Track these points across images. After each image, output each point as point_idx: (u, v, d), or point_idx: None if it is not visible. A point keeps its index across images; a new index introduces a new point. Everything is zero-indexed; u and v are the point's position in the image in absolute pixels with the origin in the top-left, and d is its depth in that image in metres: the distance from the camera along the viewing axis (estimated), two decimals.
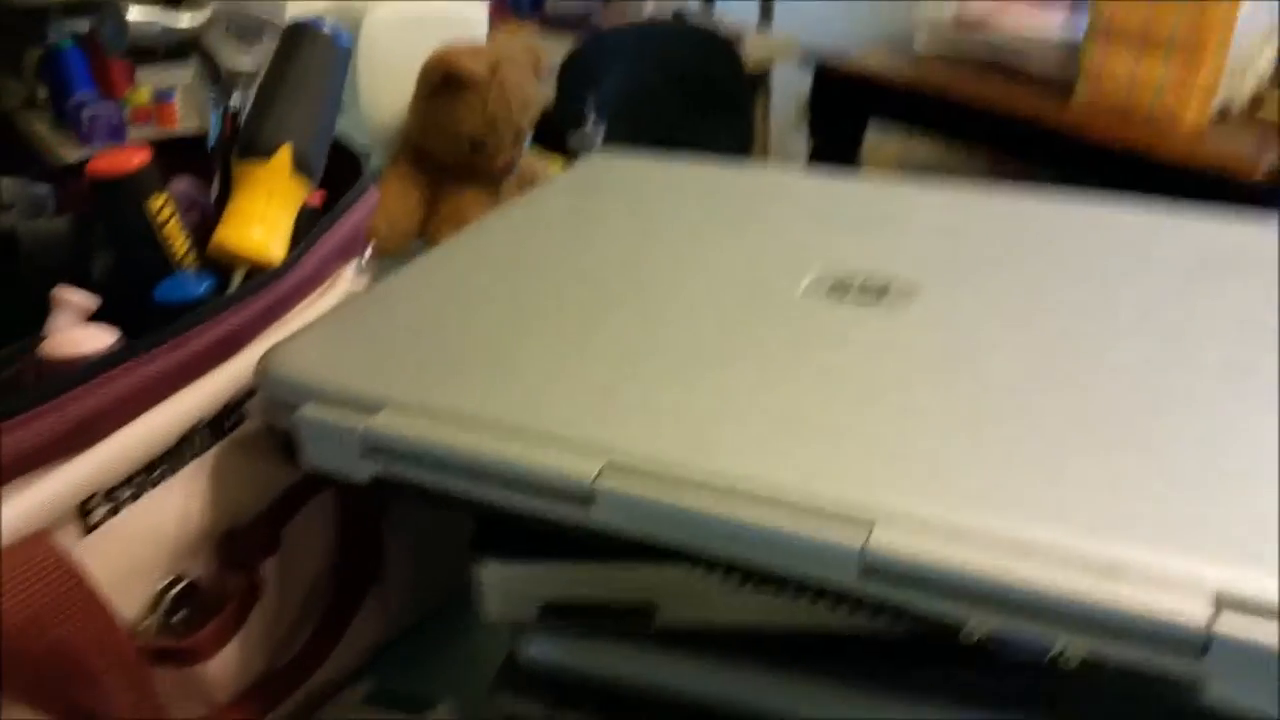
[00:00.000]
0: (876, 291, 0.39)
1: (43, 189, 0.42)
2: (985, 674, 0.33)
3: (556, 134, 0.97)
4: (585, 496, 0.30)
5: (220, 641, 0.35)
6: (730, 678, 0.35)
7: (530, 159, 0.91)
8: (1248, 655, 0.25)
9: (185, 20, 0.46)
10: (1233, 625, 0.25)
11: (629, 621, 0.35)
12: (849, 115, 1.86)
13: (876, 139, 1.97)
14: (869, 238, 0.45)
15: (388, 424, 0.33)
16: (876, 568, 0.27)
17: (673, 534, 0.30)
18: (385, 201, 0.80)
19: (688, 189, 0.51)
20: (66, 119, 1.22)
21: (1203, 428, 0.31)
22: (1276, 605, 0.25)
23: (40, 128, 1.38)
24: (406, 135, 0.84)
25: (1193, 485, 0.28)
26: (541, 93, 0.86)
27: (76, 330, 0.36)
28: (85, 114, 0.94)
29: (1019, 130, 1.55)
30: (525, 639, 0.37)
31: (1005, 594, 0.26)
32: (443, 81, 0.79)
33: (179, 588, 0.35)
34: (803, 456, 0.30)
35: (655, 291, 0.40)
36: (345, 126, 0.85)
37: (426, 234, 0.83)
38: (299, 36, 0.44)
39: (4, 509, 0.30)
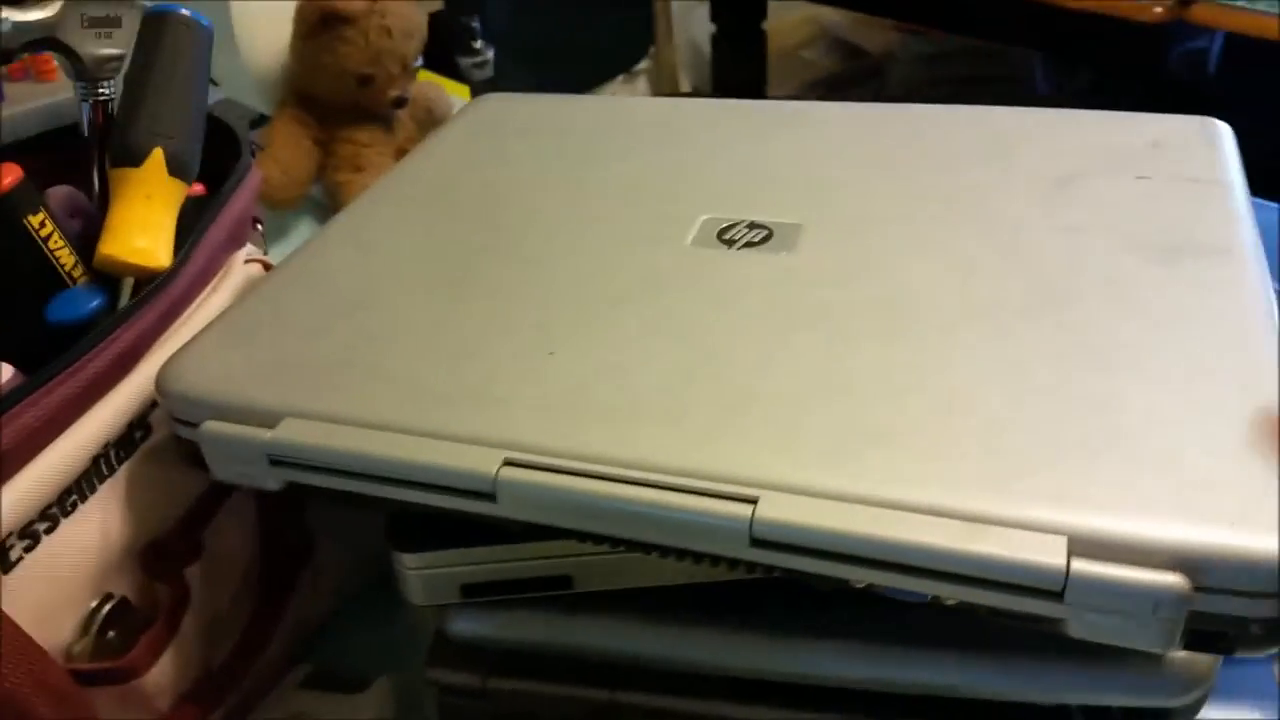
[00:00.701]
0: (762, 232, 0.41)
1: None
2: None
3: (447, 56, 0.95)
4: (488, 493, 0.32)
5: (154, 654, 0.36)
6: (652, 633, 0.37)
7: (422, 87, 0.89)
8: (1101, 594, 0.27)
9: (36, 14, 0.45)
10: (1085, 569, 0.27)
11: (547, 593, 0.37)
12: None
13: (780, 11, 1.95)
14: (759, 174, 0.45)
15: (289, 435, 0.34)
16: (764, 539, 0.29)
17: (575, 521, 0.32)
18: (277, 150, 0.78)
19: (578, 131, 0.51)
20: None
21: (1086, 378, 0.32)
22: (1124, 545, 0.27)
23: None
24: (290, 79, 0.81)
25: (1056, 433, 0.30)
26: (423, 16, 0.84)
27: None
28: None
29: None
30: (451, 615, 0.39)
31: (881, 555, 0.28)
32: (320, 20, 0.77)
33: (109, 606, 0.36)
34: (691, 433, 0.32)
35: (547, 254, 0.41)
36: (228, 81, 0.82)
37: (324, 178, 0.82)
38: (159, 25, 0.43)
39: None
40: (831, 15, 2.22)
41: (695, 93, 2.19)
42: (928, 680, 0.35)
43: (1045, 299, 0.35)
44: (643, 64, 2.01)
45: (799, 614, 0.36)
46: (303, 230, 0.84)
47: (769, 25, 1.91)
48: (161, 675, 0.37)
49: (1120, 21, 1.24)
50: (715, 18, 1.87)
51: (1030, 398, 0.32)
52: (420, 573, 0.37)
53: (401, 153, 0.85)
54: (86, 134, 0.47)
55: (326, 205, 0.84)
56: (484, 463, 0.32)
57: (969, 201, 0.41)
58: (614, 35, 1.77)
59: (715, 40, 1.89)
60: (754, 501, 0.29)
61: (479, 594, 0.37)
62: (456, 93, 0.97)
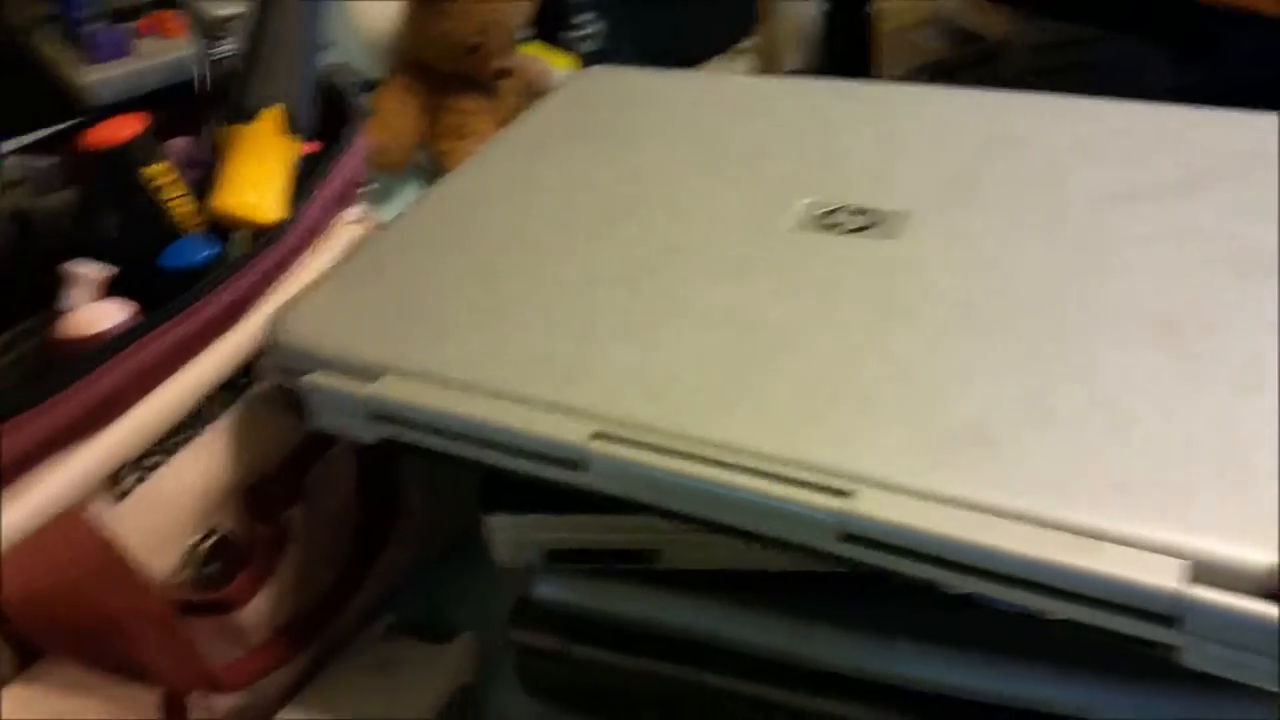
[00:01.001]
0: (868, 218, 0.40)
1: (48, 163, 0.43)
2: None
3: (556, 28, 0.95)
4: (577, 462, 0.32)
5: (251, 591, 0.38)
6: (734, 615, 0.37)
7: (529, 58, 0.90)
8: (1219, 625, 0.25)
9: None
10: (1204, 596, 0.25)
11: (631, 565, 0.37)
12: None
13: None
14: (865, 157, 0.45)
15: (389, 391, 0.35)
16: (854, 534, 0.29)
17: (661, 498, 0.32)
18: (385, 116, 0.80)
19: (683, 107, 0.51)
20: (73, 37, 1.21)
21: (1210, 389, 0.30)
22: (1249, 576, 0.25)
23: (49, 48, 1.36)
24: (401, 46, 0.83)
25: (1178, 451, 0.29)
26: None
27: (91, 308, 0.38)
28: (87, 31, 0.94)
29: None
30: (535, 579, 0.39)
31: (978, 562, 0.28)
32: None
33: (210, 542, 0.38)
34: (787, 418, 0.31)
35: (647, 229, 0.41)
36: (341, 46, 0.84)
37: (429, 145, 0.83)
38: None
39: (35, 489, 0.32)
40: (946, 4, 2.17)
41: (799, 72, 2.16)
42: (1025, 694, 0.34)
43: (1162, 308, 0.34)
44: (747, 41, 1.99)
45: (890, 610, 0.36)
46: (407, 194, 0.85)
47: (879, 6, 1.87)
48: (256, 611, 0.38)
49: (1248, 14, 1.19)
50: None
51: (1151, 409, 0.30)
52: (507, 535, 0.38)
53: (504, 123, 0.85)
54: (206, 89, 0.48)
55: (431, 171, 0.86)
56: (575, 432, 0.32)
57: (1088, 200, 0.40)
58: (720, 11, 1.76)
59: (823, 19, 1.86)
60: (847, 494, 0.29)
61: (564, 560, 0.38)
62: (562, 65, 0.98)
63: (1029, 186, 0.41)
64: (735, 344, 0.35)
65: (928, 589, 0.29)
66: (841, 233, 0.40)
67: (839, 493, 0.29)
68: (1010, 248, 0.38)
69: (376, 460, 0.44)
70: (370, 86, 0.86)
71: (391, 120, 0.80)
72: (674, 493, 0.31)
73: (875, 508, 0.29)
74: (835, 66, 1.90)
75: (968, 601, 0.29)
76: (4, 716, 0.32)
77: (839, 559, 0.30)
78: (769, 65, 2.08)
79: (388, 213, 0.83)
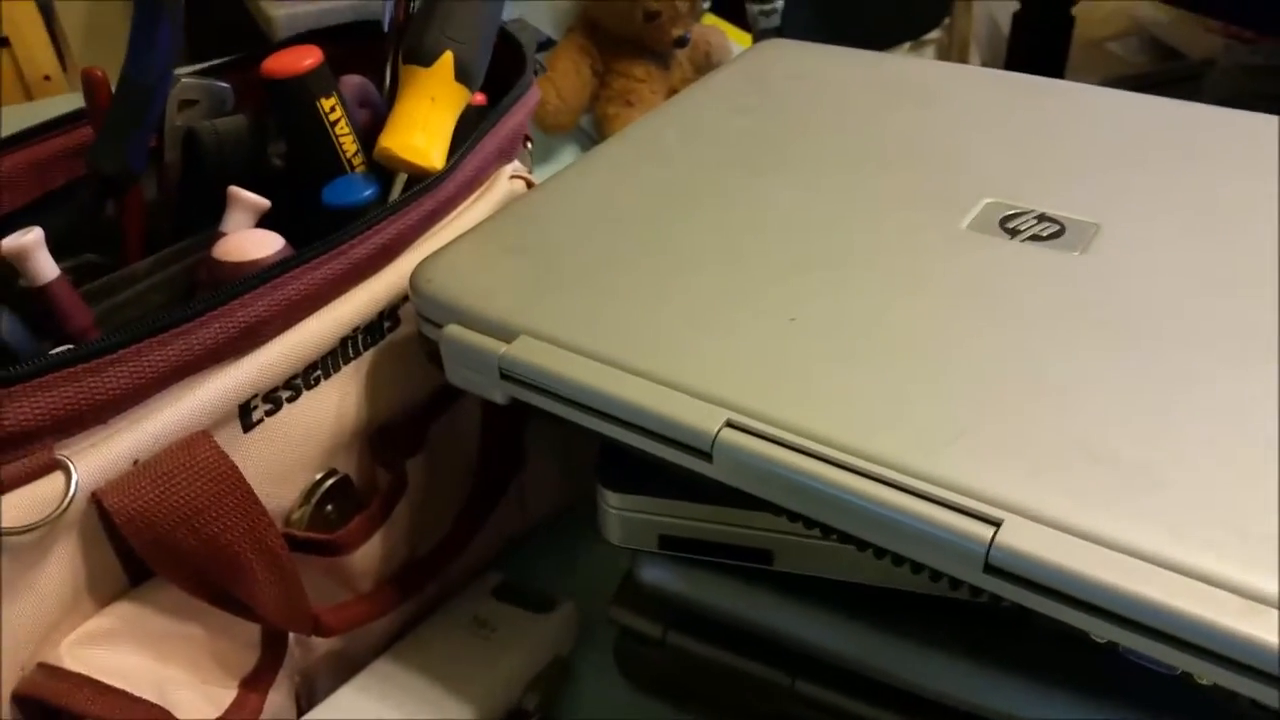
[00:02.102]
0: (1053, 227, 0.37)
1: (223, 87, 0.43)
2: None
3: (735, 2, 0.93)
4: (705, 451, 0.31)
5: (365, 535, 0.38)
6: (839, 627, 0.36)
7: (705, 30, 0.88)
8: None
9: None
10: None
11: (743, 563, 0.36)
12: None
13: None
14: (1056, 161, 0.42)
15: (522, 353, 0.34)
16: (1000, 567, 0.27)
17: (789, 500, 0.30)
18: (557, 76, 0.79)
19: (861, 87, 0.49)
20: None
21: None
22: None
23: None
24: (581, 7, 0.82)
25: None
26: None
27: (246, 235, 0.38)
28: None
29: None
30: (643, 561, 0.38)
31: (1135, 615, 0.25)
32: None
33: (331, 482, 0.38)
34: (938, 434, 0.29)
35: (814, 213, 0.39)
36: (521, 2, 0.84)
37: (596, 108, 0.83)
38: None
39: (167, 409, 0.32)
40: (1150, 10, 2.05)
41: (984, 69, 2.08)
42: None
43: None
44: (934, 33, 1.92)
45: (1005, 644, 0.34)
46: (566, 156, 0.85)
47: (1078, 10, 1.78)
48: (368, 556, 0.39)
49: None
50: None
51: None
52: (621, 514, 0.37)
53: (673, 93, 0.84)
54: (386, 29, 0.48)
55: (593, 135, 0.85)
56: (706, 420, 0.31)
57: None
58: (908, 2, 1.70)
59: (1017, 18, 1.78)
60: (997, 524, 0.27)
61: (675, 548, 0.37)
62: (739, 40, 0.96)
63: (1230, 213, 0.38)
64: (891, 347, 0.32)
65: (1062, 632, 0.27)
66: (1023, 240, 0.37)
67: (989, 521, 0.27)
68: (1201, 277, 0.34)
69: (502, 419, 0.43)
70: (546, 45, 0.86)
71: (562, 81, 0.79)
72: (807, 497, 0.29)
73: (1027, 541, 0.26)
74: (1021, 68, 1.81)
75: (1103, 650, 0.26)
76: (108, 631, 0.33)
77: (975, 589, 0.28)
78: (951, 60, 2.01)
79: (545, 172, 0.83)
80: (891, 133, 0.44)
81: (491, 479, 0.44)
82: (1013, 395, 0.30)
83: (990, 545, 0.26)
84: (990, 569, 0.27)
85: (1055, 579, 0.26)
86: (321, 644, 0.39)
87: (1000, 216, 0.38)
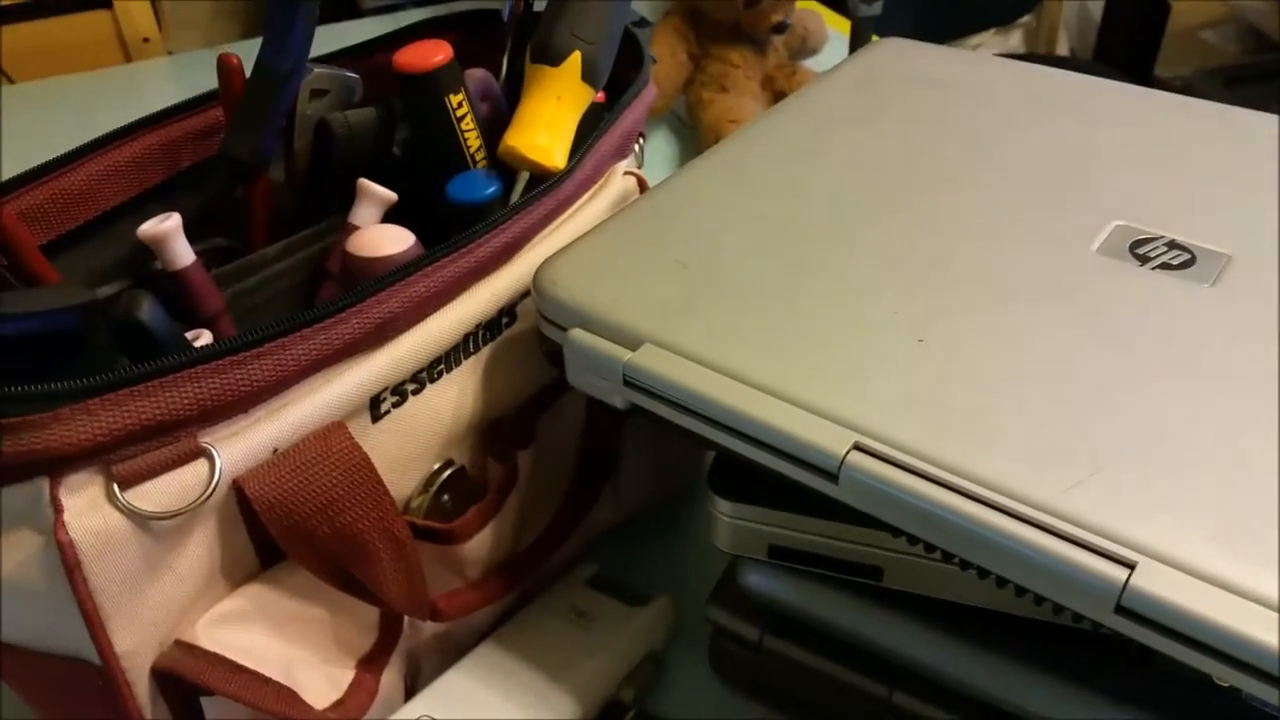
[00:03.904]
0: (1183, 255, 0.37)
1: (353, 77, 0.44)
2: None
3: None
4: (831, 473, 0.31)
5: (480, 525, 0.39)
6: (941, 645, 0.36)
7: (801, 14, 0.87)
8: None
9: None
10: None
11: (852, 578, 0.36)
12: None
13: None
14: (1190, 186, 0.41)
15: (647, 362, 0.34)
16: (1132, 610, 0.27)
17: (915, 526, 0.30)
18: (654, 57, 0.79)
19: (984, 96, 0.48)
20: None
21: None
22: None
23: None
24: None
25: None
26: None
27: (379, 230, 0.39)
28: None
29: None
30: (749, 567, 0.39)
31: (1263, 663, 0.25)
32: None
33: (449, 472, 0.39)
34: (1070, 469, 0.29)
35: (933, 230, 0.39)
36: None
37: (689, 93, 0.82)
38: None
39: (304, 400, 0.34)
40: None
41: (1072, 56, 2.03)
42: None
43: None
44: (1024, 17, 1.89)
45: (1109, 672, 0.34)
46: (657, 140, 0.85)
47: None
48: (479, 545, 0.40)
49: None
50: None
51: None
52: (734, 522, 0.37)
53: (769, 79, 0.84)
54: (506, 21, 0.49)
55: (684, 118, 0.85)
56: (834, 442, 0.31)
57: None
58: None
59: (1110, 4, 1.74)
60: (1132, 566, 0.27)
61: (784, 558, 0.37)
62: (835, 25, 0.95)
63: None
64: (1019, 375, 0.32)
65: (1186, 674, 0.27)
66: (1152, 267, 0.37)
67: (1124, 563, 0.27)
68: None
69: (606, 417, 0.44)
70: (641, 24, 0.86)
71: (658, 64, 0.79)
72: (933, 525, 0.30)
73: (1161, 586, 0.26)
74: (1113, 55, 1.78)
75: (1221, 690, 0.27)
76: (240, 611, 0.34)
77: (1101, 626, 0.28)
78: (1040, 46, 1.97)
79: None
80: (1020, 145, 0.44)
81: (591, 475, 0.45)
82: (1144, 432, 0.30)
83: (1124, 588, 0.27)
84: (1121, 610, 0.27)
85: (1186, 624, 0.26)
86: (429, 627, 0.40)
87: (1130, 241, 0.38)
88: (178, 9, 1.55)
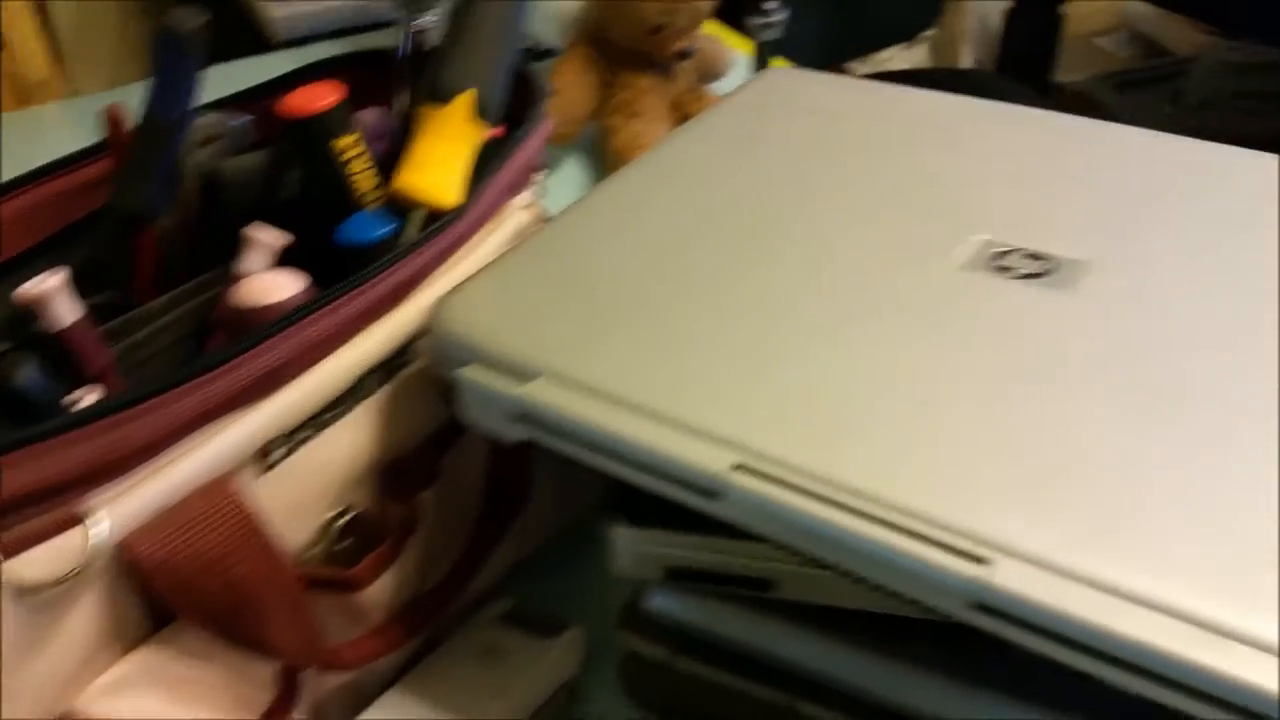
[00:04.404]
0: (1043, 265, 0.38)
1: (243, 123, 0.44)
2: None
3: (734, 7, 0.94)
4: (712, 491, 0.32)
5: (379, 570, 0.39)
6: (840, 653, 0.37)
7: (708, 39, 0.89)
8: None
9: None
10: None
11: (748, 591, 0.37)
12: None
13: None
14: (1050, 197, 0.43)
15: (537, 395, 0.35)
16: (986, 605, 0.28)
17: (792, 539, 0.31)
18: (561, 86, 0.80)
19: (861, 120, 0.50)
20: None
21: None
22: None
23: None
24: (587, 18, 0.83)
25: None
26: None
27: (266, 277, 0.39)
28: None
29: None
30: (650, 589, 0.39)
31: (1113, 649, 0.27)
32: None
33: (346, 518, 0.39)
34: (929, 474, 0.31)
35: (810, 251, 0.40)
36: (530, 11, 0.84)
37: (600, 119, 0.83)
38: None
39: (189, 456, 0.33)
40: (1138, 8, 2.07)
41: (977, 67, 2.09)
42: None
43: None
44: (928, 32, 1.93)
45: (1004, 671, 0.35)
46: (569, 167, 0.85)
47: (1068, 7, 1.79)
48: (380, 591, 0.39)
49: None
50: None
51: None
52: (629, 547, 0.38)
53: (676, 104, 0.85)
54: (400, 59, 0.49)
55: (597, 145, 0.86)
56: (714, 461, 0.32)
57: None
58: (902, 2, 1.71)
59: (1008, 16, 1.79)
60: (984, 562, 0.28)
61: (682, 578, 0.38)
62: (740, 47, 0.96)
63: (1220, 250, 0.39)
64: (888, 386, 0.34)
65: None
66: (1013, 277, 0.38)
67: (976, 559, 0.28)
68: (1186, 317, 0.36)
69: (512, 452, 0.44)
70: (550, 54, 0.86)
71: (567, 92, 0.80)
72: (805, 535, 0.31)
73: (1013, 580, 0.28)
74: (1014, 65, 1.83)
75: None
76: (130, 678, 0.33)
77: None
78: (944, 59, 2.01)
79: (551, 184, 0.84)
80: (892, 167, 0.45)
81: (499, 510, 0.45)
82: (1000, 434, 0.32)
83: (978, 583, 0.28)
84: (977, 606, 0.28)
85: (1039, 616, 0.27)
86: (333, 678, 0.40)
87: (992, 254, 0.39)
88: (79, 48, 1.52)
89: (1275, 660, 0.25)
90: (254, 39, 1.40)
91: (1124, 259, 0.39)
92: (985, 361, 0.34)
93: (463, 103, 0.42)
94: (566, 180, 0.84)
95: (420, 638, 0.43)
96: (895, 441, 0.32)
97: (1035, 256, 0.39)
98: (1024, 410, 0.32)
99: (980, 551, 0.28)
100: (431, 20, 0.47)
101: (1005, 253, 0.39)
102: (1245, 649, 0.25)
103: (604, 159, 0.83)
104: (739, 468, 0.32)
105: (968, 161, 0.46)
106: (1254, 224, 0.40)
